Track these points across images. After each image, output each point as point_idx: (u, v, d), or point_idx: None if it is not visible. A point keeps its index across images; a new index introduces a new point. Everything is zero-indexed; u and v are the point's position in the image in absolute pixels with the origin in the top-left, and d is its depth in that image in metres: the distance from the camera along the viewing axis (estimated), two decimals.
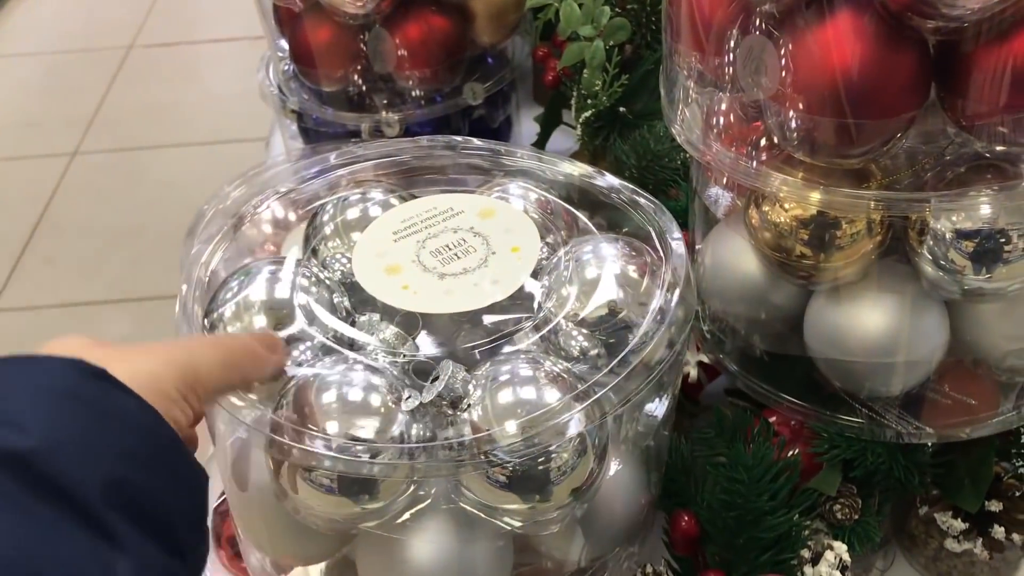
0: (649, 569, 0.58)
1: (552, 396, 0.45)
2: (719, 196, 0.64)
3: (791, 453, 0.63)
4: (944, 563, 0.70)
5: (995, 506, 0.64)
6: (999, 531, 0.64)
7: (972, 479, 0.63)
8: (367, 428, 0.44)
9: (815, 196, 0.55)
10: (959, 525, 0.65)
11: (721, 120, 0.59)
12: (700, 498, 0.60)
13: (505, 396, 0.46)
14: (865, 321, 0.60)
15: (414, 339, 0.51)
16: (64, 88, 2.56)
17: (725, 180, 0.62)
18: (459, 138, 0.63)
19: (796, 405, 0.64)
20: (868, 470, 0.62)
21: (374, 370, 0.47)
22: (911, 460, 0.63)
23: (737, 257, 0.63)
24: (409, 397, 0.46)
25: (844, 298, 0.60)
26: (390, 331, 0.50)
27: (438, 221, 0.57)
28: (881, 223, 0.57)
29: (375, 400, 0.45)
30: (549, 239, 0.58)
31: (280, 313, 0.50)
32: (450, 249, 0.55)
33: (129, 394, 0.38)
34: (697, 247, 0.68)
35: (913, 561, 0.72)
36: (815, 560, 0.59)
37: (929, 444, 0.64)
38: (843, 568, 0.59)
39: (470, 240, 0.55)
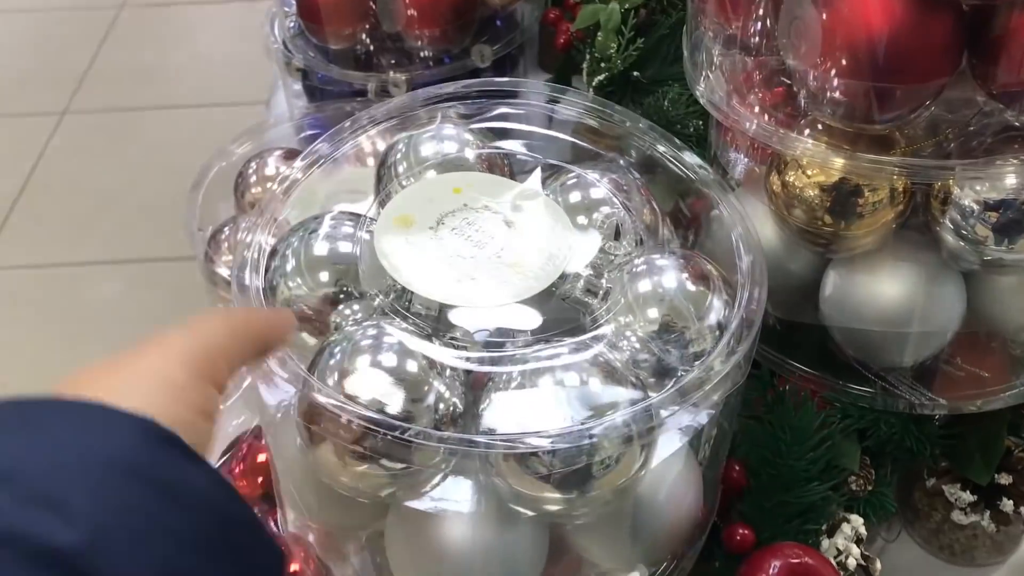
0: None
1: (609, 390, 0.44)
2: (738, 161, 0.63)
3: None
4: (946, 536, 0.70)
5: (1004, 479, 0.64)
6: (1008, 504, 0.64)
7: (983, 452, 0.63)
8: (398, 398, 0.43)
9: (839, 161, 0.55)
10: (967, 497, 0.65)
11: (745, 84, 0.58)
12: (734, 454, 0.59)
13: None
14: (882, 291, 0.60)
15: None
16: (54, 46, 2.51)
17: (748, 145, 0.61)
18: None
19: (808, 374, 0.64)
20: (881, 440, 0.61)
21: (411, 337, 0.45)
22: (922, 431, 0.62)
23: (755, 224, 0.63)
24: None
25: (862, 267, 0.60)
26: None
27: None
28: (904, 192, 0.57)
29: (411, 367, 0.43)
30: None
31: (340, 269, 0.48)
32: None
33: (200, 465, 0.32)
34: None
35: (914, 534, 0.73)
36: (831, 532, 0.59)
37: (939, 416, 0.64)
38: (859, 540, 0.59)
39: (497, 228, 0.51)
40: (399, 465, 0.43)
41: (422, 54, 0.90)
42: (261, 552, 0.32)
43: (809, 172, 0.57)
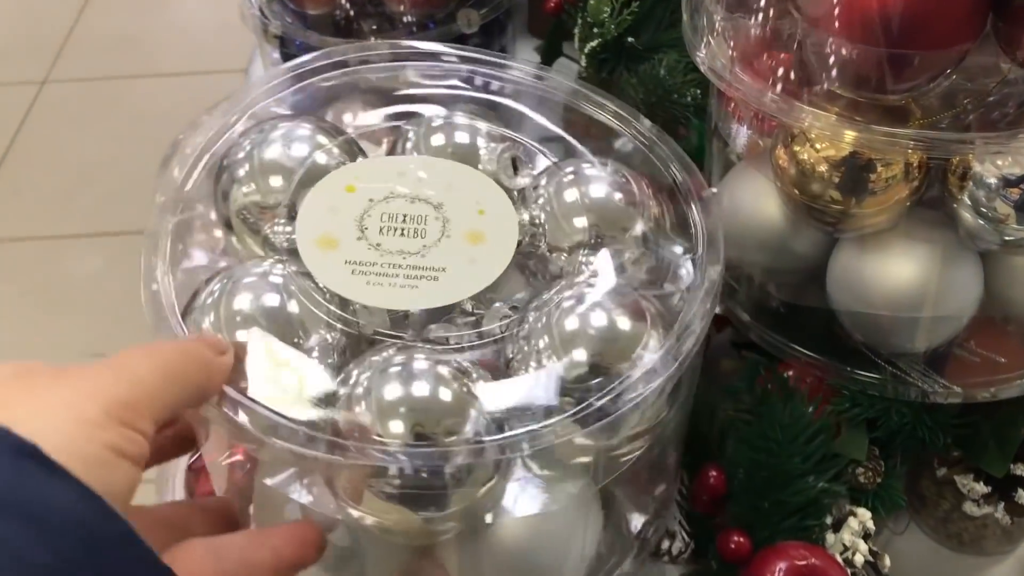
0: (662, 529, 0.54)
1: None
2: (740, 133, 0.59)
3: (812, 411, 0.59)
4: (955, 525, 0.67)
5: (1021, 470, 0.61)
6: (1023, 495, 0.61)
7: (998, 441, 0.60)
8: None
9: (850, 134, 0.51)
10: (981, 488, 0.62)
11: (750, 50, 0.54)
12: (723, 454, 0.56)
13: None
14: (894, 273, 0.56)
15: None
16: (33, 14, 2.46)
17: (751, 116, 0.57)
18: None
19: (814, 359, 0.61)
20: (891, 430, 0.58)
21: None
22: (935, 420, 0.59)
23: (758, 200, 0.59)
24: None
25: (872, 247, 0.56)
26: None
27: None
28: (919, 167, 0.53)
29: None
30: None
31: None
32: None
33: (65, 480, 0.28)
34: (712, 189, 0.64)
35: (921, 523, 0.70)
36: (836, 526, 0.56)
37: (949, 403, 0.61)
38: (866, 535, 0.56)
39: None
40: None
41: (405, 19, 0.86)
42: (142, 574, 0.29)
43: (818, 146, 0.53)
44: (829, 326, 0.60)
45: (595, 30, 0.77)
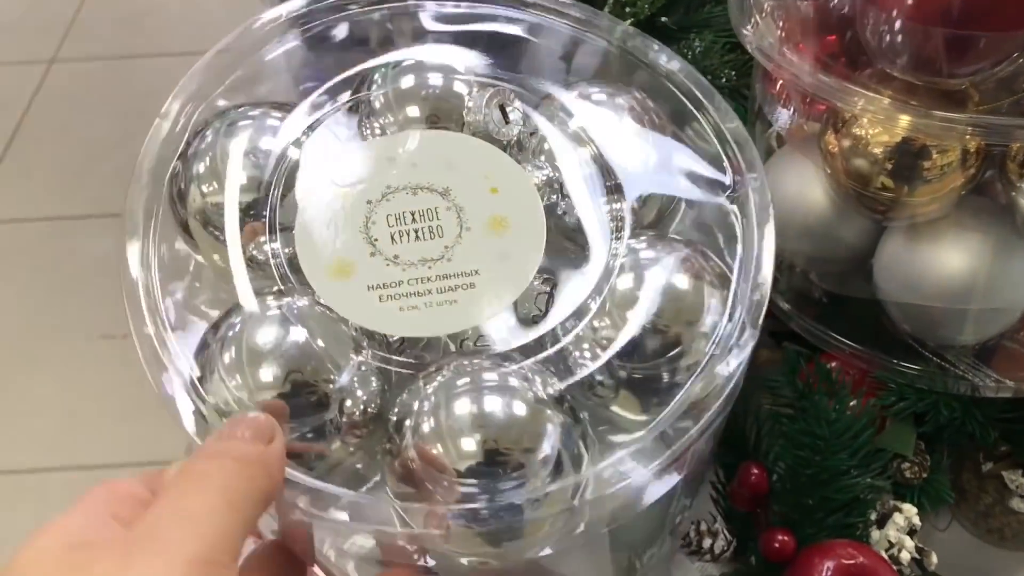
0: (704, 527, 0.53)
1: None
2: (784, 117, 0.57)
3: (853, 404, 0.57)
4: (997, 520, 0.65)
5: None
6: None
7: None
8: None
9: (905, 119, 0.49)
10: None
11: (801, 30, 0.51)
12: (765, 451, 0.54)
13: None
14: (945, 263, 0.54)
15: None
16: None
17: (800, 99, 0.55)
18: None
19: (858, 351, 0.59)
20: (939, 425, 0.56)
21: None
22: (985, 415, 0.57)
23: (803, 186, 0.57)
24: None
25: (923, 236, 0.54)
26: None
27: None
28: (976, 154, 0.51)
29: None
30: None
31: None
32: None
33: None
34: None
35: (961, 517, 0.68)
36: (880, 522, 0.54)
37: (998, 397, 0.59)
38: (911, 532, 0.54)
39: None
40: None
41: None
42: None
43: (870, 131, 0.51)
44: (875, 317, 0.58)
45: (627, 9, 0.74)
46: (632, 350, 0.38)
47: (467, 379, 0.36)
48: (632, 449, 0.36)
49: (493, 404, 0.35)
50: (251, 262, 0.40)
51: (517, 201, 0.41)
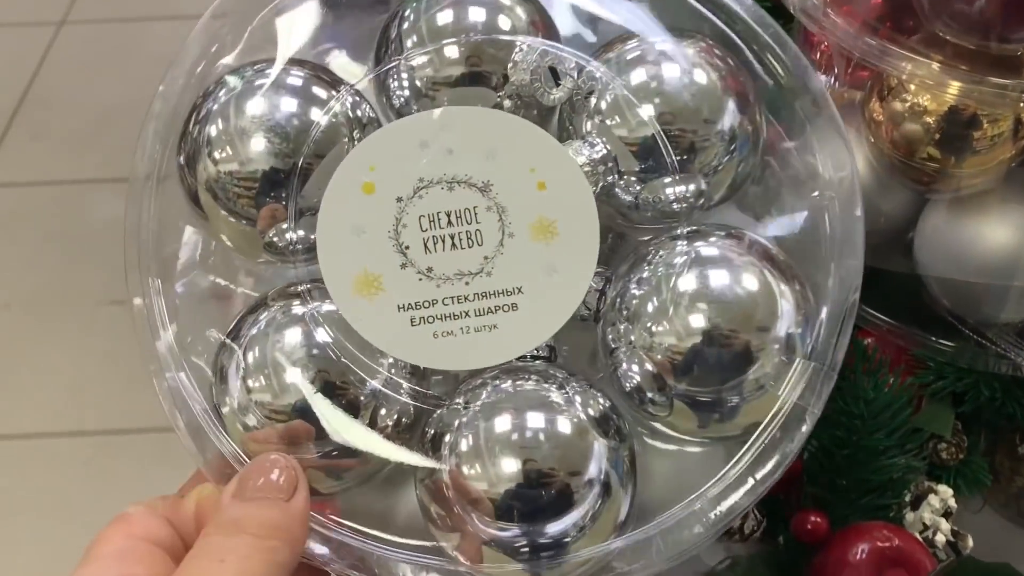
0: None
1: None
2: (827, 83, 0.55)
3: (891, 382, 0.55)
4: None
5: None
6: None
7: None
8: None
9: (956, 85, 0.46)
10: None
11: None
12: None
13: None
14: (990, 237, 0.52)
15: None
16: None
17: (842, 63, 0.53)
18: None
19: (896, 327, 0.57)
20: (979, 405, 0.54)
21: None
22: None
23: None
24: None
25: (967, 209, 0.52)
26: None
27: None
28: None
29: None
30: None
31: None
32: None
33: None
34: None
35: (992, 499, 0.66)
36: (915, 504, 0.53)
37: None
38: (947, 514, 0.52)
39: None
40: None
41: None
42: None
43: (918, 98, 0.49)
44: (914, 292, 0.56)
45: None
46: (693, 361, 0.34)
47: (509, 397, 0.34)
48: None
49: (536, 422, 0.33)
50: (269, 247, 0.37)
51: (567, 200, 0.35)
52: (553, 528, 0.33)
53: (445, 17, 0.38)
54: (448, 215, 0.35)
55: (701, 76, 0.37)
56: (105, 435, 1.34)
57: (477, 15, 0.38)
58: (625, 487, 0.34)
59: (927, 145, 0.49)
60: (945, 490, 0.54)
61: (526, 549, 0.33)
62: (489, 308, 0.35)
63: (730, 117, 0.37)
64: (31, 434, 1.34)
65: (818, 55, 0.54)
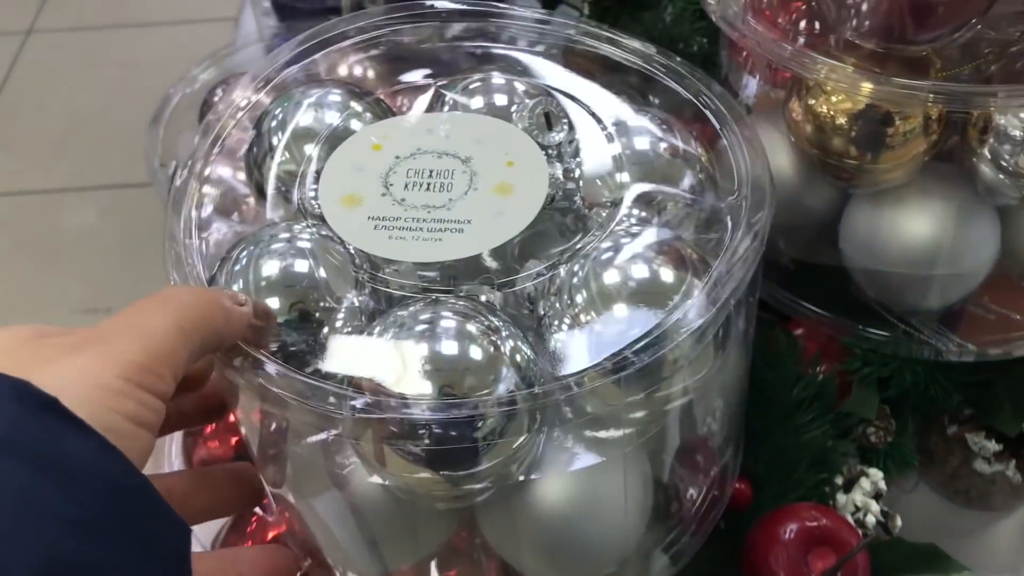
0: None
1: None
2: (750, 85, 0.57)
3: (820, 369, 0.58)
4: (963, 482, 0.66)
5: None
6: None
7: (1012, 400, 0.59)
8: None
9: (868, 86, 0.49)
10: (992, 446, 0.61)
11: None
12: None
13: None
14: (909, 229, 0.54)
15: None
16: None
17: (764, 67, 0.55)
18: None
19: (825, 317, 0.59)
20: (903, 389, 0.57)
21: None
22: (948, 379, 0.58)
23: (770, 155, 0.57)
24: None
25: (887, 203, 0.55)
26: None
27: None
28: (938, 120, 0.51)
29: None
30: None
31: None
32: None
33: (86, 433, 0.28)
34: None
35: (928, 479, 0.69)
36: (848, 487, 0.55)
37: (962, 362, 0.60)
38: (877, 496, 0.55)
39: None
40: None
41: None
42: (162, 529, 0.29)
43: (833, 98, 0.51)
44: (841, 283, 0.58)
45: None
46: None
47: (428, 319, 0.38)
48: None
49: (450, 346, 0.37)
50: (300, 209, 0.44)
51: (528, 174, 0.44)
52: (464, 441, 0.36)
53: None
54: (431, 172, 0.44)
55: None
56: None
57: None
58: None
59: (844, 143, 0.52)
60: (875, 473, 0.56)
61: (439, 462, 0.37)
62: (439, 228, 0.42)
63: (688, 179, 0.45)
64: None
65: (743, 57, 0.57)
